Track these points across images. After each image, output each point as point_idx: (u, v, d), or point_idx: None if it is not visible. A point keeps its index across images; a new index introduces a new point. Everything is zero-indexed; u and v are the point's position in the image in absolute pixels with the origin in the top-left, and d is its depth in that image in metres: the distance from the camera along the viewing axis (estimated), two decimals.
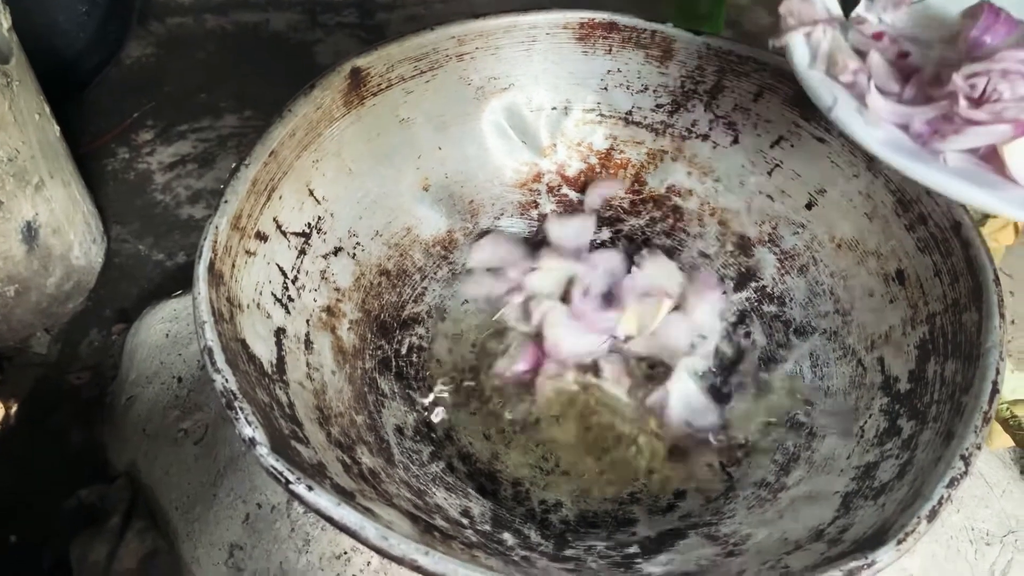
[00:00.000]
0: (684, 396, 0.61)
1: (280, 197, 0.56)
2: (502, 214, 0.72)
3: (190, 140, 0.98)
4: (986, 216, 0.73)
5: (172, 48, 1.10)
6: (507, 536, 0.51)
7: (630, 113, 0.70)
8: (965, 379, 0.47)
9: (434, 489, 0.54)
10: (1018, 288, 0.85)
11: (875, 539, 0.41)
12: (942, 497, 0.41)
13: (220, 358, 0.44)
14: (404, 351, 0.64)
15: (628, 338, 0.65)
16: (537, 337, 0.64)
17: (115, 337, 0.78)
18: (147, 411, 0.67)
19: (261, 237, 0.54)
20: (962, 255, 0.52)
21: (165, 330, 0.72)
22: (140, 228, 0.88)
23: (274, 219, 0.55)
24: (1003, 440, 0.68)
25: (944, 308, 0.52)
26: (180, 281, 0.82)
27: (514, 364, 0.63)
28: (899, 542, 0.40)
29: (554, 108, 0.70)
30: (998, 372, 0.46)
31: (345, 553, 0.56)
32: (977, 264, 0.51)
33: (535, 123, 0.70)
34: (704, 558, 0.49)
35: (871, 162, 0.59)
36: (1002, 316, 0.48)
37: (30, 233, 0.71)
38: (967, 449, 0.43)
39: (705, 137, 0.68)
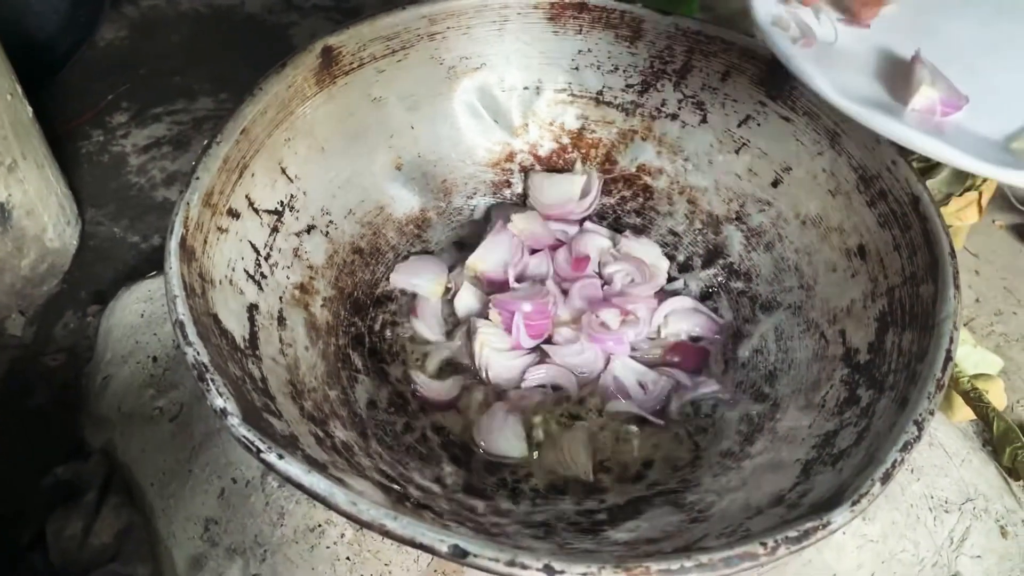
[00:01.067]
0: (620, 376, 0.63)
1: (252, 175, 0.56)
2: (475, 193, 0.73)
3: (165, 123, 0.98)
4: (949, 195, 0.75)
5: (146, 30, 1.10)
6: (478, 504, 0.52)
7: (601, 93, 0.70)
8: (921, 348, 0.49)
9: (407, 460, 0.55)
10: (983, 267, 0.87)
11: (831, 502, 0.42)
12: (895, 460, 0.43)
13: (192, 331, 0.44)
14: (377, 328, 0.65)
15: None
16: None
17: (90, 319, 0.78)
18: (123, 390, 0.67)
19: (233, 214, 0.54)
20: (920, 229, 0.54)
21: (140, 310, 0.72)
22: (115, 210, 0.88)
23: (246, 196, 0.56)
24: (964, 413, 0.70)
25: (903, 281, 0.54)
26: (155, 263, 0.82)
27: (434, 390, 0.62)
28: (853, 504, 0.41)
29: (526, 88, 0.71)
30: (952, 341, 0.47)
31: (320, 526, 0.57)
32: (934, 237, 0.52)
33: (507, 103, 0.71)
34: (669, 525, 0.50)
35: (834, 140, 0.60)
36: (957, 288, 0.50)
37: (3, 214, 0.71)
38: (920, 415, 0.44)
39: (674, 116, 0.69)
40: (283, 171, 0.60)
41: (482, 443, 0.59)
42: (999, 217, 0.92)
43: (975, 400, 0.67)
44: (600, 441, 0.60)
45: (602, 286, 0.67)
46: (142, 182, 0.91)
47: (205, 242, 0.51)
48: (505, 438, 0.58)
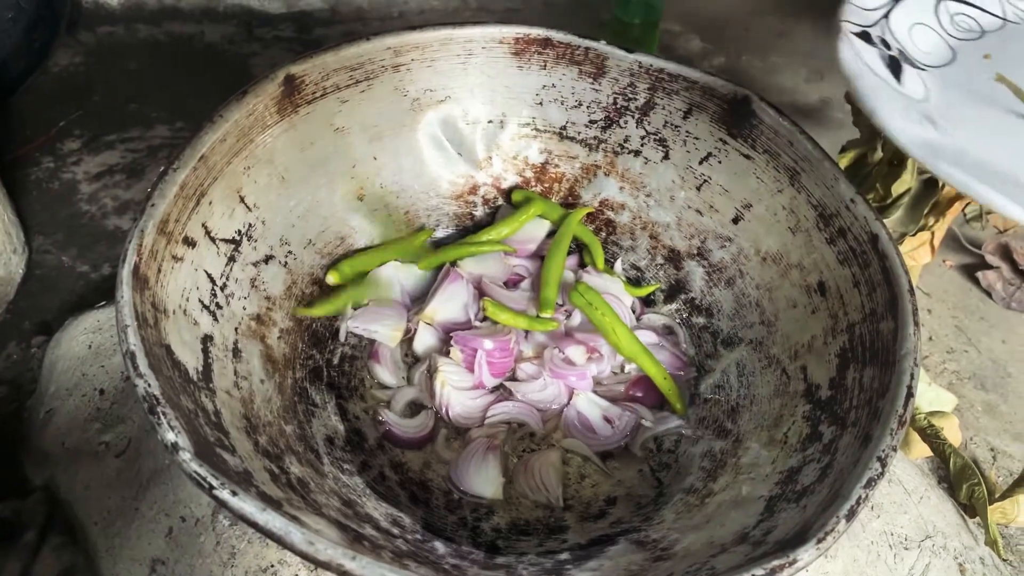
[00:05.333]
0: (584, 411, 0.62)
1: (210, 203, 0.55)
2: (438, 225, 0.72)
3: (118, 150, 0.96)
4: (903, 234, 0.76)
5: (102, 57, 1.08)
6: (438, 544, 0.51)
7: (564, 128, 0.71)
8: (882, 384, 0.49)
9: (364, 499, 0.53)
10: (935, 305, 0.89)
11: (796, 539, 0.42)
12: (860, 497, 0.43)
13: (143, 363, 0.43)
14: (336, 361, 0.64)
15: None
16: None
17: (35, 350, 0.75)
18: (67, 424, 0.64)
19: (189, 243, 0.53)
20: (879, 267, 0.54)
21: (88, 341, 0.69)
22: (64, 239, 0.86)
23: (203, 225, 0.54)
24: (921, 450, 0.70)
25: (863, 317, 0.54)
26: (104, 293, 0.80)
27: (409, 429, 0.61)
28: (819, 541, 0.41)
29: (490, 121, 0.71)
30: (913, 377, 0.48)
31: (272, 566, 0.54)
32: (893, 275, 0.53)
33: (471, 136, 0.71)
34: (633, 564, 0.49)
35: (794, 178, 0.61)
36: (916, 324, 0.50)
37: None
38: (883, 451, 0.45)
39: (637, 153, 0.69)
40: (242, 199, 0.58)
41: (455, 480, 0.57)
42: (949, 257, 0.94)
43: (932, 437, 0.68)
44: (564, 476, 0.59)
45: (565, 318, 0.67)
46: (93, 210, 0.89)
47: (159, 271, 0.49)
48: (481, 477, 0.57)
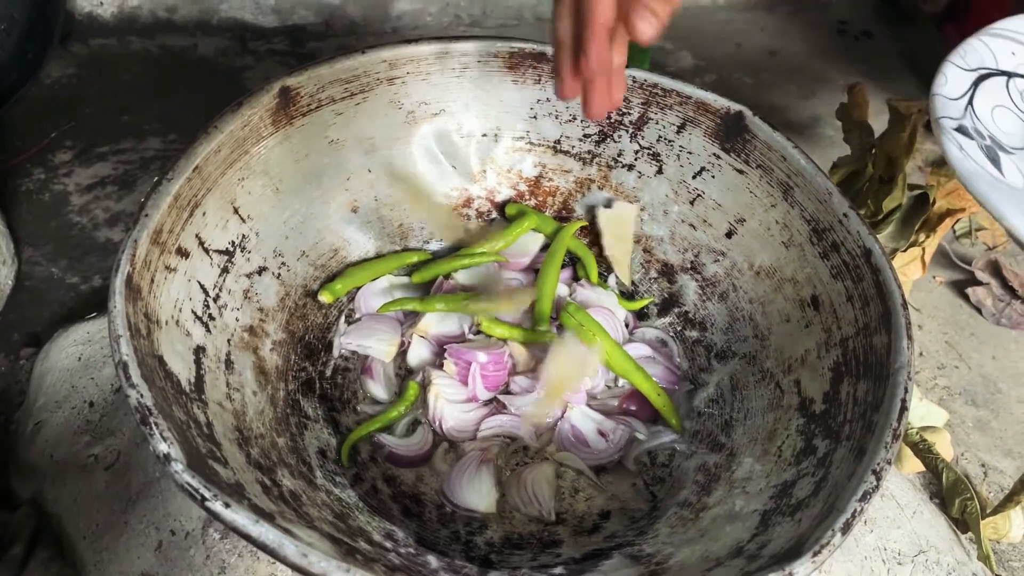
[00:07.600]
0: (578, 425, 0.61)
1: (203, 214, 0.55)
2: (431, 238, 0.72)
3: (110, 162, 0.95)
4: (894, 250, 0.77)
5: (95, 69, 1.08)
6: (431, 558, 0.50)
7: (558, 142, 0.71)
8: (876, 398, 0.49)
9: (357, 512, 0.53)
10: (925, 321, 0.89)
11: (792, 552, 0.42)
12: (855, 510, 0.43)
13: (135, 373, 0.42)
14: (329, 373, 0.63)
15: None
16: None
17: (23, 362, 0.74)
18: (56, 437, 0.64)
19: (182, 253, 0.52)
20: (872, 281, 0.54)
21: (77, 353, 0.69)
22: (54, 250, 0.85)
23: (196, 235, 0.54)
24: (913, 465, 0.70)
25: (856, 331, 0.54)
26: (95, 305, 0.79)
27: (410, 448, 0.60)
28: (815, 554, 0.41)
29: (484, 135, 0.71)
30: (906, 391, 0.48)
31: None
32: (886, 289, 0.53)
33: (465, 149, 0.71)
34: None
35: (787, 193, 0.61)
36: (910, 338, 0.50)
37: None
38: (878, 464, 0.45)
39: (631, 167, 0.70)
40: (235, 211, 0.58)
41: (448, 493, 0.57)
42: (940, 273, 0.95)
43: (924, 452, 0.68)
44: (558, 490, 0.58)
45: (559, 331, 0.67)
46: (84, 222, 0.88)
47: (152, 281, 0.49)
48: (474, 490, 0.57)
